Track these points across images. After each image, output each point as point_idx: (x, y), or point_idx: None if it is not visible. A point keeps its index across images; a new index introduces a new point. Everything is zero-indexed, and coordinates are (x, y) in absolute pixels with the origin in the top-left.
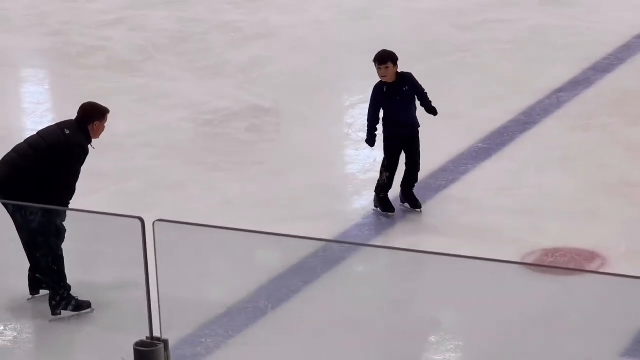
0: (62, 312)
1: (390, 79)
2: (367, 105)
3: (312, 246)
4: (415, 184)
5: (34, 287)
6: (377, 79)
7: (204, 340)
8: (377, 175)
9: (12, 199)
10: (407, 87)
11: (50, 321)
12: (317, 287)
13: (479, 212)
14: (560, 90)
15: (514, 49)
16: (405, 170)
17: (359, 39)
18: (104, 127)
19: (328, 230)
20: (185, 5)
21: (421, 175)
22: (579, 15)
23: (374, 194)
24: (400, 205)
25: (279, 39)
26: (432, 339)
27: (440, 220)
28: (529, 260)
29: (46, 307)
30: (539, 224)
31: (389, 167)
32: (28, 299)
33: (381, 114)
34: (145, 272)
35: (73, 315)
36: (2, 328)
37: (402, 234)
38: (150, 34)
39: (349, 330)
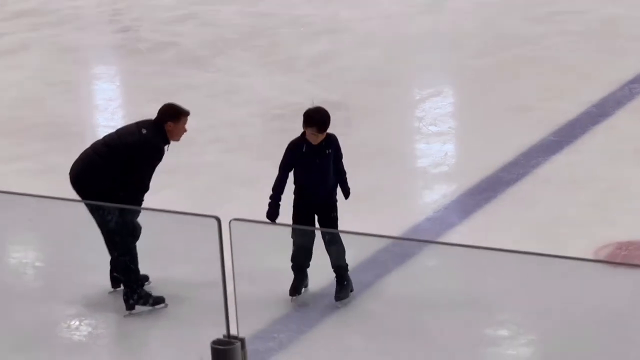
0: (137, 307)
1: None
2: (437, 99)
3: (383, 241)
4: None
5: (116, 281)
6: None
7: (276, 335)
8: (448, 169)
9: (88, 195)
10: (330, 151)
11: (124, 316)
12: (389, 281)
13: (551, 205)
14: (632, 81)
15: (584, 41)
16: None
17: (428, 32)
18: (182, 129)
19: (399, 224)
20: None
21: (493, 168)
22: None
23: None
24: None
25: (349, 33)
26: (505, 333)
27: (511, 214)
28: (603, 253)
29: (122, 303)
30: (612, 217)
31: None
32: (109, 292)
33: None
34: (221, 271)
35: (147, 311)
36: (77, 323)
37: (473, 229)
38: (221, 29)
39: (420, 324)
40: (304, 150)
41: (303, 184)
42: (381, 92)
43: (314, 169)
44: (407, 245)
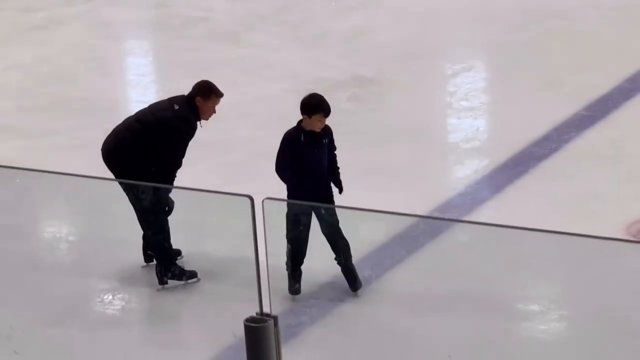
0: (170, 282)
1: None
2: (469, 74)
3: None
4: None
5: (148, 256)
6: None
7: (308, 309)
8: (480, 144)
9: (119, 171)
10: (326, 140)
11: (157, 290)
12: (421, 256)
13: (582, 180)
14: None
15: (617, 15)
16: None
17: (461, 7)
18: (211, 109)
19: (431, 198)
20: None
21: (524, 143)
22: None
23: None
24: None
25: (381, 8)
26: (536, 307)
27: (543, 189)
28: (635, 228)
29: (154, 277)
30: None
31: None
32: (142, 267)
33: None
34: (255, 250)
35: (180, 285)
36: (110, 297)
37: (505, 204)
38: (254, 4)
39: (451, 299)
40: (302, 139)
41: (301, 175)
42: (413, 67)
43: (313, 160)
44: (438, 222)
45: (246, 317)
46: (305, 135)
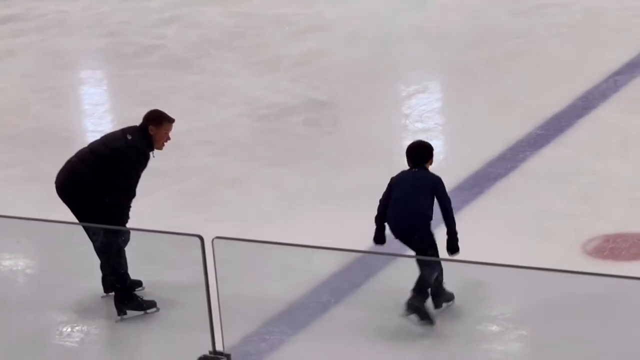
0: (129, 312)
1: None
2: (424, 96)
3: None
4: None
5: (107, 286)
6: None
7: (268, 337)
8: (435, 166)
9: (74, 203)
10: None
11: (116, 321)
12: (379, 281)
13: (538, 199)
14: (617, 73)
15: (569, 33)
16: None
17: (413, 29)
18: (164, 135)
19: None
20: (240, 0)
21: (480, 164)
22: None
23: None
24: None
25: (333, 31)
26: (494, 328)
27: (499, 209)
28: (591, 246)
29: (114, 308)
30: (599, 210)
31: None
32: (102, 297)
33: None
34: (206, 288)
35: (139, 315)
36: (70, 329)
37: (461, 225)
38: (206, 30)
39: (412, 322)
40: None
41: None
42: (367, 90)
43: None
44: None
45: (201, 354)
46: None
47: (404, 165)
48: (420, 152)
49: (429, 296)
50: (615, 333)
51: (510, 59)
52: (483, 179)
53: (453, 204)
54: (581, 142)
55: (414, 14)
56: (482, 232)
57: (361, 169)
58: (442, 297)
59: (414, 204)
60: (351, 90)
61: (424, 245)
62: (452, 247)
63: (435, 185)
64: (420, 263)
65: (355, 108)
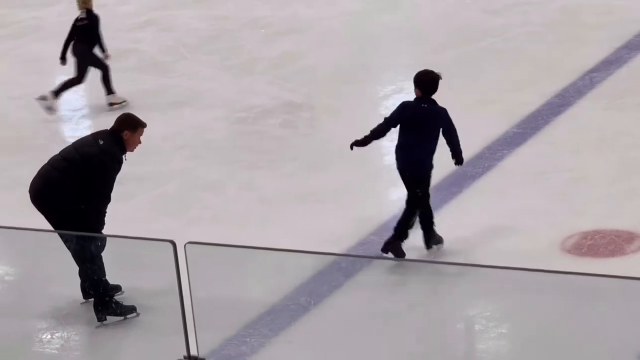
0: (108, 317)
1: None
2: (400, 96)
3: (352, 241)
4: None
5: (87, 292)
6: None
7: (248, 339)
8: None
9: (49, 210)
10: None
11: (96, 327)
12: (359, 281)
13: (515, 197)
14: (593, 70)
15: (545, 31)
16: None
17: (388, 29)
18: (137, 140)
19: (366, 223)
20: (214, 3)
21: None
22: None
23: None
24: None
25: (309, 33)
26: (476, 327)
27: (478, 207)
28: (569, 243)
29: (93, 314)
30: (576, 207)
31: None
32: (82, 303)
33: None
34: (179, 293)
35: (119, 321)
36: (49, 336)
37: (440, 224)
38: (181, 34)
39: (391, 323)
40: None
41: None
42: (344, 91)
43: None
44: (377, 242)
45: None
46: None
47: (383, 166)
48: (433, 85)
49: (407, 237)
50: (594, 330)
51: (485, 58)
52: (461, 179)
53: (433, 204)
54: (558, 140)
55: (388, 14)
56: (462, 231)
57: (338, 170)
58: (433, 238)
59: (420, 151)
60: (327, 92)
61: (414, 182)
62: (458, 160)
63: (444, 122)
64: (406, 202)
65: (331, 109)
